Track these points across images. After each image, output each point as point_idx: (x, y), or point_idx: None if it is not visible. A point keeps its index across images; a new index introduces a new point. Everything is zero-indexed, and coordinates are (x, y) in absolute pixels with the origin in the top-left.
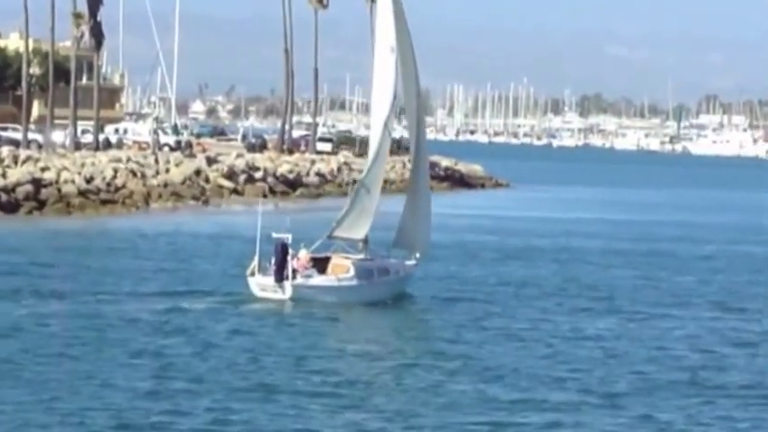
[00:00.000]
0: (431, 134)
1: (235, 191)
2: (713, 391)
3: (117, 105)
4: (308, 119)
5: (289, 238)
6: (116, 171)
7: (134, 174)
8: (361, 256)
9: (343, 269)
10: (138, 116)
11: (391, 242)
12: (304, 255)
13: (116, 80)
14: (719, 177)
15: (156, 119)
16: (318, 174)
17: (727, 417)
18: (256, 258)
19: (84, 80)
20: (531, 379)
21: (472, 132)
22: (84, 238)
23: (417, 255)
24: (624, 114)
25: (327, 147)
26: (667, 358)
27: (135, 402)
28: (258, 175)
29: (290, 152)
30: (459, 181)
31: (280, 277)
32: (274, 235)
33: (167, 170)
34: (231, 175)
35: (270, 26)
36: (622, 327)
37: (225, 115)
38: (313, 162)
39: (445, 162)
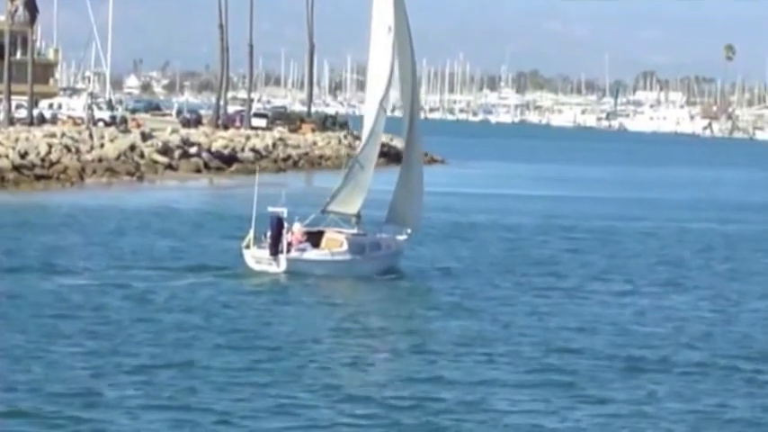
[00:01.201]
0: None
1: (169, 166)
2: (660, 367)
3: (51, 80)
4: (242, 94)
5: (284, 212)
6: (50, 146)
7: (68, 149)
8: (354, 231)
9: (336, 244)
10: (73, 91)
11: (384, 218)
12: (298, 228)
13: (50, 55)
14: (657, 154)
15: (91, 94)
16: (253, 149)
17: (675, 393)
18: (252, 231)
19: (19, 55)
20: (478, 357)
21: None
22: (34, 214)
23: (408, 230)
24: (561, 91)
25: (262, 122)
26: (629, 335)
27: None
28: (193, 150)
29: (225, 128)
30: (394, 157)
31: (275, 251)
32: (270, 209)
33: (102, 145)
34: (166, 150)
35: (204, 1)
36: (571, 303)
37: (160, 90)
38: (248, 138)
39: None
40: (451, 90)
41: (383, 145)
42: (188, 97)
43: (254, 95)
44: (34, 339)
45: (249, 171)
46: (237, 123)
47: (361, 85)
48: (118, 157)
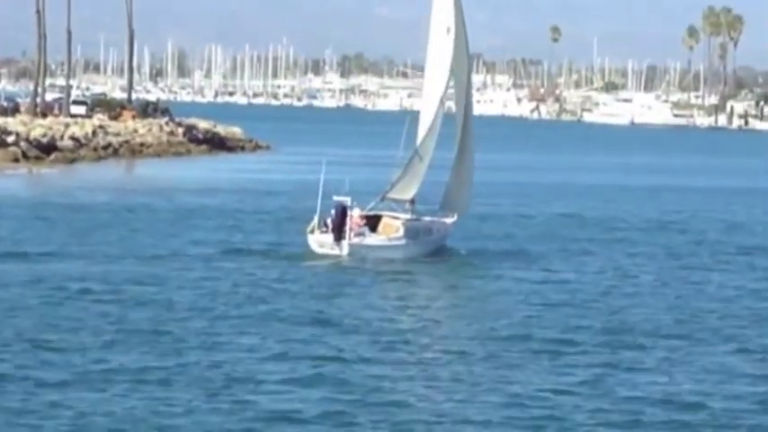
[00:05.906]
0: (187, 96)
1: None
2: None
3: None
4: (61, 81)
5: (348, 200)
6: None
7: None
8: (408, 216)
9: (393, 229)
10: None
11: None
12: (357, 213)
13: None
14: (491, 139)
15: None
16: (73, 137)
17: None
18: (316, 217)
19: None
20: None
21: (231, 94)
22: None
23: (456, 215)
24: (387, 74)
25: (82, 110)
26: None
27: None
28: (10, 139)
29: (44, 115)
30: (218, 144)
31: (338, 236)
32: (335, 198)
33: None
34: None
35: None
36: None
37: None
38: (67, 125)
39: (203, 124)
40: (275, 75)
41: (206, 131)
42: (5, 85)
43: (73, 82)
44: None
45: (69, 160)
46: (56, 111)
47: (182, 71)
48: None
